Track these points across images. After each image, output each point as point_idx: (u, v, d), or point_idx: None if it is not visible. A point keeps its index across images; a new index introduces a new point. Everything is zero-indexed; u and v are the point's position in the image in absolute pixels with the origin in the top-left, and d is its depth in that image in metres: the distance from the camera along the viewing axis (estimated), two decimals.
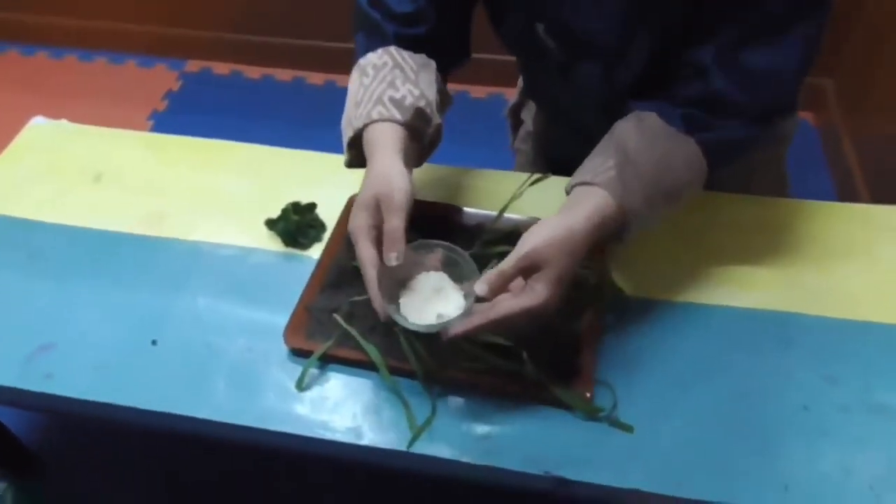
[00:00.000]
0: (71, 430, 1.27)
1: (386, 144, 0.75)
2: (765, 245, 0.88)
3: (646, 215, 0.73)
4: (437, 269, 0.75)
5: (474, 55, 0.94)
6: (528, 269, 0.68)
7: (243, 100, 1.95)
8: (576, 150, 0.80)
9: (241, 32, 2.02)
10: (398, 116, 0.76)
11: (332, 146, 0.92)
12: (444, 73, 0.88)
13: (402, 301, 0.73)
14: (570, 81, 0.86)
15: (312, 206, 0.90)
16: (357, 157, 0.79)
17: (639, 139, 0.73)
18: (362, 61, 0.82)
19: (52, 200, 0.96)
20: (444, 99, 0.87)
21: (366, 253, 0.70)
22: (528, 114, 1.16)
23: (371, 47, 0.82)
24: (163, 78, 2.02)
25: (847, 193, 1.66)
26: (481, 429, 0.71)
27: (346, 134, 0.79)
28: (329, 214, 0.91)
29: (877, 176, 1.60)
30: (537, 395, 0.72)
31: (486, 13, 0.92)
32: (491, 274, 0.68)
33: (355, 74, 0.82)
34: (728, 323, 0.79)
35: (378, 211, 0.71)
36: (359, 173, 0.77)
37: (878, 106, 1.63)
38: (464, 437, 0.70)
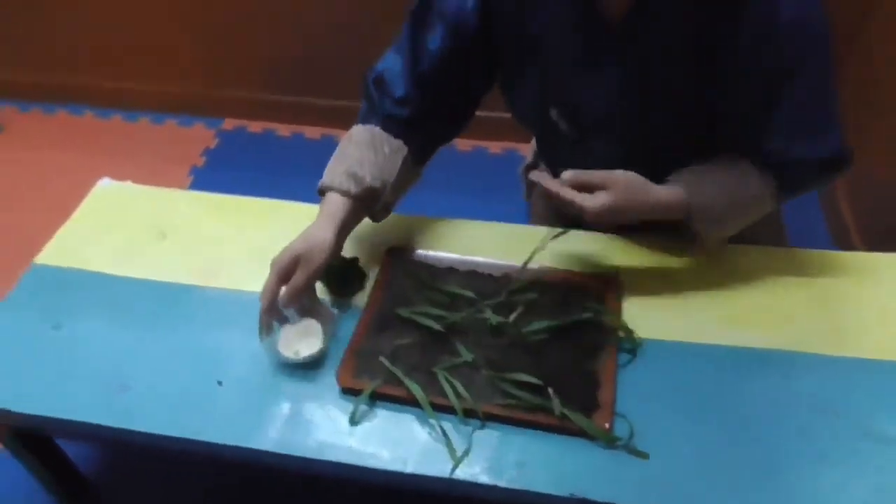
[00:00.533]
0: (123, 456, 1.34)
1: (329, 214, 0.91)
2: (766, 289, 0.96)
3: (713, 217, 0.90)
4: (318, 317, 0.91)
5: (490, 113, 1.06)
6: (604, 185, 0.84)
7: (276, 156, 2.06)
8: None
9: (274, 93, 2.15)
10: (353, 191, 0.91)
11: None
12: (432, 141, 1.02)
13: (282, 332, 0.89)
14: (585, 155, 0.96)
15: (355, 259, 1.00)
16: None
17: (716, 164, 0.91)
18: (354, 128, 0.98)
19: (123, 255, 1.06)
20: (409, 178, 1.01)
21: (269, 286, 0.86)
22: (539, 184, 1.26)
23: (364, 119, 0.98)
24: (201, 136, 2.15)
25: (842, 240, 1.74)
26: (513, 457, 0.79)
27: (319, 185, 0.94)
28: (369, 265, 1.00)
29: (868, 223, 1.68)
30: (562, 426, 0.80)
31: (502, 96, 1.03)
32: (579, 172, 0.84)
33: (345, 137, 0.98)
34: (733, 360, 0.88)
35: (295, 262, 0.86)
36: (392, 233, 0.94)
37: (868, 157, 1.72)
38: (498, 464, 0.78)
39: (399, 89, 0.96)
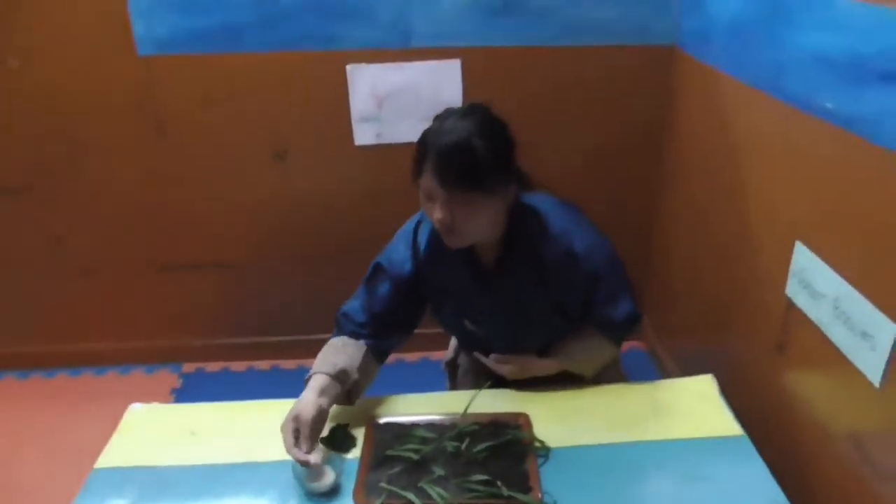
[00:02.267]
0: None
1: (312, 387, 1.30)
2: (621, 408, 1.42)
3: (579, 366, 1.45)
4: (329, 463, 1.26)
5: (432, 330, 1.54)
6: (509, 361, 1.45)
7: (233, 387, 2.41)
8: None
9: (227, 337, 2.55)
10: (330, 371, 1.33)
11: None
12: (387, 346, 1.48)
13: (307, 471, 1.22)
14: (491, 343, 1.48)
15: (346, 425, 1.37)
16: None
17: (575, 336, 1.43)
18: (331, 340, 1.43)
19: (166, 452, 1.38)
20: (371, 369, 1.43)
21: (287, 442, 1.22)
22: (463, 358, 1.73)
23: (337, 334, 1.44)
24: (166, 379, 2.47)
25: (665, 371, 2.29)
26: None
27: (305, 378, 1.35)
28: (355, 429, 1.38)
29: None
30: (509, 503, 1.18)
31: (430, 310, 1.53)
32: (498, 357, 1.44)
33: (325, 346, 1.41)
34: (610, 452, 1.30)
35: (296, 423, 1.23)
36: (369, 411, 1.39)
37: (679, 328, 2.31)
38: None
39: (359, 318, 1.44)
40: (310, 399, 1.28)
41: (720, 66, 1.78)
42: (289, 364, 2.49)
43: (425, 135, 1.26)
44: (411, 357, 2.53)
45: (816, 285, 1.28)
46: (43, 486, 1.54)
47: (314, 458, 1.21)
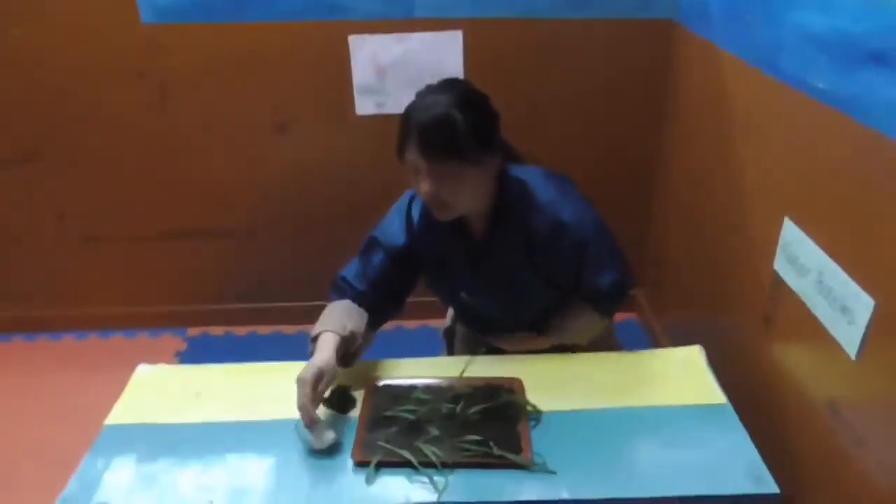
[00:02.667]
0: None
1: (325, 345, 1.34)
2: (610, 375, 1.47)
3: (572, 336, 1.52)
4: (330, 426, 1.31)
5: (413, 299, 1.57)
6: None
7: (237, 352, 2.46)
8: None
9: (230, 302, 2.60)
10: (341, 332, 1.36)
11: None
12: (382, 317, 1.52)
13: (312, 432, 1.26)
14: (483, 313, 1.52)
15: (348, 386, 1.42)
16: (312, 351, 1.38)
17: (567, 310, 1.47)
18: (334, 302, 1.46)
19: (173, 410, 1.43)
20: (369, 337, 1.47)
21: (306, 397, 1.24)
22: (459, 327, 1.77)
23: (339, 297, 1.47)
24: (171, 343, 2.52)
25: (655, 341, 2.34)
26: (473, 484, 1.20)
27: (312, 335, 1.39)
28: (355, 391, 1.43)
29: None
30: (501, 463, 1.23)
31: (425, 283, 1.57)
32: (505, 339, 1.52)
33: (328, 307, 1.44)
34: (597, 417, 1.35)
35: (318, 379, 1.27)
36: (368, 374, 1.43)
37: (672, 301, 2.36)
38: (465, 489, 1.19)
39: (359, 287, 1.47)
40: (329, 357, 1.31)
41: (718, 42, 1.79)
42: (289, 329, 2.54)
43: (407, 111, 1.29)
44: (410, 324, 2.58)
45: (802, 260, 1.31)
46: (52, 443, 1.61)
47: (326, 433, 1.27)
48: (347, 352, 1.40)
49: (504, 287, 1.47)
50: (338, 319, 1.39)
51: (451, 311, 1.79)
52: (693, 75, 2.05)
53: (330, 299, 1.48)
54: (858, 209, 1.16)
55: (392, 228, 1.48)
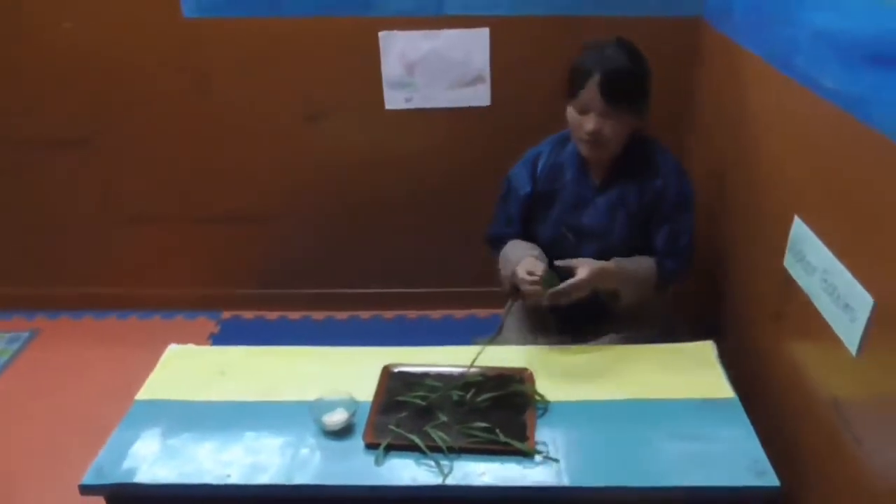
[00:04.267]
0: None
1: (529, 252, 1.59)
2: (619, 367, 1.48)
3: (625, 280, 1.56)
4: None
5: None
6: (580, 265, 1.50)
7: (266, 335, 2.53)
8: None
9: (262, 288, 2.66)
10: (534, 252, 1.59)
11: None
12: None
13: (326, 416, 1.31)
14: (577, 252, 1.59)
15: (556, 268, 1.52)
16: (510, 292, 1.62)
17: (632, 260, 1.60)
18: (505, 248, 1.67)
19: (198, 388, 1.48)
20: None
21: (522, 275, 1.50)
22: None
23: (504, 241, 1.69)
24: (205, 325, 2.60)
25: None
26: (478, 469, 1.23)
27: (507, 270, 1.59)
28: (370, 377, 1.47)
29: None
30: (506, 450, 1.25)
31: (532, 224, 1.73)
32: (568, 261, 1.52)
33: (504, 248, 1.67)
34: (604, 408, 1.37)
35: (534, 265, 1.51)
36: (387, 359, 1.39)
37: (687, 294, 2.34)
38: (469, 474, 1.22)
39: (512, 229, 1.72)
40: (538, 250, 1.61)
41: (739, 40, 1.77)
42: (318, 315, 2.59)
43: (583, 59, 1.51)
44: (435, 315, 2.60)
45: (809, 258, 1.30)
46: (91, 416, 1.67)
47: (339, 415, 1.32)
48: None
49: (604, 230, 1.63)
50: (522, 249, 1.61)
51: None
52: (714, 72, 2.03)
53: (494, 252, 1.72)
54: (859, 209, 1.15)
55: (521, 178, 1.70)
